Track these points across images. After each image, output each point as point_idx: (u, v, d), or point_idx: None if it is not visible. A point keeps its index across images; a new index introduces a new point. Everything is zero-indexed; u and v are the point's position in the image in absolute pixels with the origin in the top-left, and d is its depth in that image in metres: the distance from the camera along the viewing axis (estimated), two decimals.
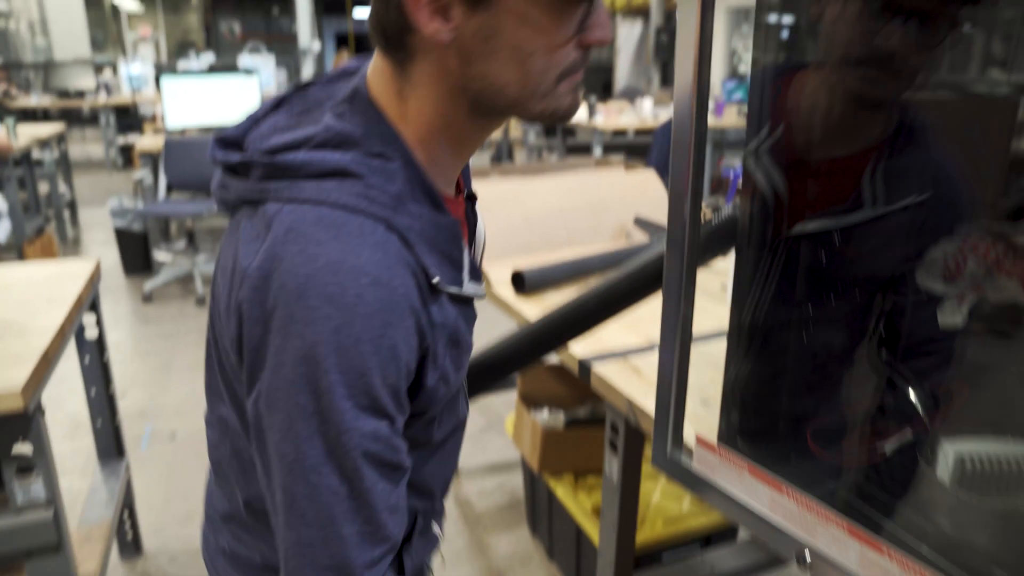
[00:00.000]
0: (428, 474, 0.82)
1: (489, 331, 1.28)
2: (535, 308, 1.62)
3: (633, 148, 7.45)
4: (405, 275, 0.63)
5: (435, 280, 0.65)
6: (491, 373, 1.28)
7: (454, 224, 0.69)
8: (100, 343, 2.00)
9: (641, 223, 2.03)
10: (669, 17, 14.47)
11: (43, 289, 1.69)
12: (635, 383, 1.26)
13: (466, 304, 0.73)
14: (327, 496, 0.64)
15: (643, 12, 15.22)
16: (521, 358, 1.27)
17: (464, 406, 0.86)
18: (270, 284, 0.61)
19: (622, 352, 1.39)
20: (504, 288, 1.73)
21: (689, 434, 0.90)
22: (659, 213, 2.13)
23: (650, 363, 1.35)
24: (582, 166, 2.25)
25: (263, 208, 0.65)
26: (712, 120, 6.42)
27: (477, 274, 0.74)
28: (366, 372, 0.61)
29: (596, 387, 1.32)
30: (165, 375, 3.53)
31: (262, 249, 0.62)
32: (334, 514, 0.64)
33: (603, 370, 1.31)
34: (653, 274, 1.04)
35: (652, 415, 0.94)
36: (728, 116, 6.61)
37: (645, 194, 2.12)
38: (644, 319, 1.56)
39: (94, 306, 1.92)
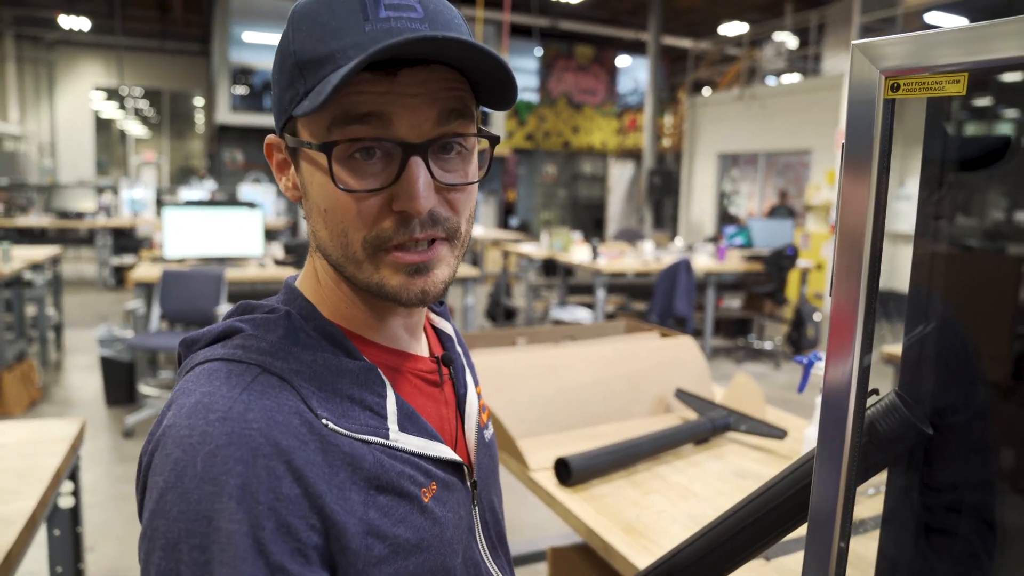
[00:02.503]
0: None
1: None
2: (584, 505, 1.44)
3: (634, 289, 7.43)
4: (273, 413, 0.57)
5: (323, 421, 0.60)
6: None
7: (364, 369, 0.65)
8: (75, 514, 1.78)
9: (682, 396, 1.88)
10: (661, 159, 15.01)
11: (16, 459, 1.50)
12: None
13: (415, 461, 0.65)
14: None
15: (635, 155, 15.80)
16: None
17: None
18: (150, 442, 0.59)
19: None
20: (544, 476, 1.55)
21: None
22: (699, 383, 1.98)
23: None
24: (613, 332, 2.13)
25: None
26: (715, 264, 6.44)
27: (425, 430, 0.67)
28: (213, 516, 0.54)
29: None
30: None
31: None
32: None
33: None
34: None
35: None
36: (730, 260, 6.63)
37: (682, 362, 1.99)
38: None
39: (73, 475, 1.71)
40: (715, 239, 8.49)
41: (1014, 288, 0.79)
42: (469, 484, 0.74)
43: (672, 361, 1.98)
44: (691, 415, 1.88)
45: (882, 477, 0.81)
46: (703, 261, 6.52)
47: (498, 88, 0.62)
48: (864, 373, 0.68)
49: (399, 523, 0.63)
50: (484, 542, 0.76)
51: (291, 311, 0.66)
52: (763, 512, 0.82)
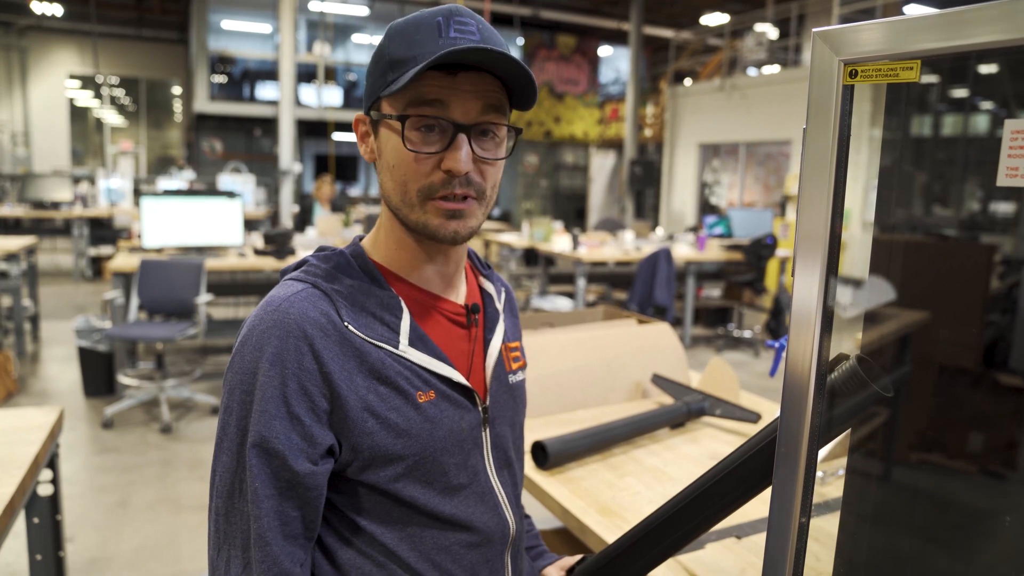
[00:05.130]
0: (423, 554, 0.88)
1: None
2: (560, 487, 1.46)
3: (614, 278, 7.47)
4: (308, 310, 0.82)
5: (346, 323, 0.83)
6: None
7: (388, 296, 0.87)
8: (54, 502, 1.78)
9: (658, 381, 1.91)
10: (642, 150, 15.05)
11: None
12: None
13: (417, 370, 0.86)
14: (221, 471, 0.82)
15: (616, 145, 15.81)
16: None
17: (482, 511, 0.92)
18: None
19: None
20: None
21: None
22: (675, 368, 2.01)
23: (703, 562, 1.18)
24: (591, 319, 2.15)
25: None
26: (695, 253, 6.48)
27: (433, 351, 0.88)
28: (256, 371, 0.80)
29: None
30: (120, 516, 3.22)
31: None
32: (222, 489, 0.82)
33: None
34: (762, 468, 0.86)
35: None
36: (710, 249, 6.68)
37: (659, 348, 2.01)
38: None
39: (52, 463, 1.71)
40: (695, 229, 8.55)
41: (986, 276, 0.81)
42: (480, 408, 0.93)
43: (649, 347, 2.00)
44: (667, 400, 1.91)
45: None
46: (683, 251, 6.57)
47: (524, 92, 0.85)
48: (823, 351, 0.70)
49: (392, 410, 0.84)
50: (492, 460, 0.95)
51: (344, 251, 0.91)
52: (722, 476, 0.85)
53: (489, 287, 1.03)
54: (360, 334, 0.84)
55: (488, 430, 0.95)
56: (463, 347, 0.94)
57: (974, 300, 0.82)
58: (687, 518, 0.88)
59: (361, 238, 0.95)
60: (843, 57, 0.63)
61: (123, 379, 4.64)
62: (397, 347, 0.85)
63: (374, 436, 0.83)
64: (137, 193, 9.11)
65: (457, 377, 0.89)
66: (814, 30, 0.65)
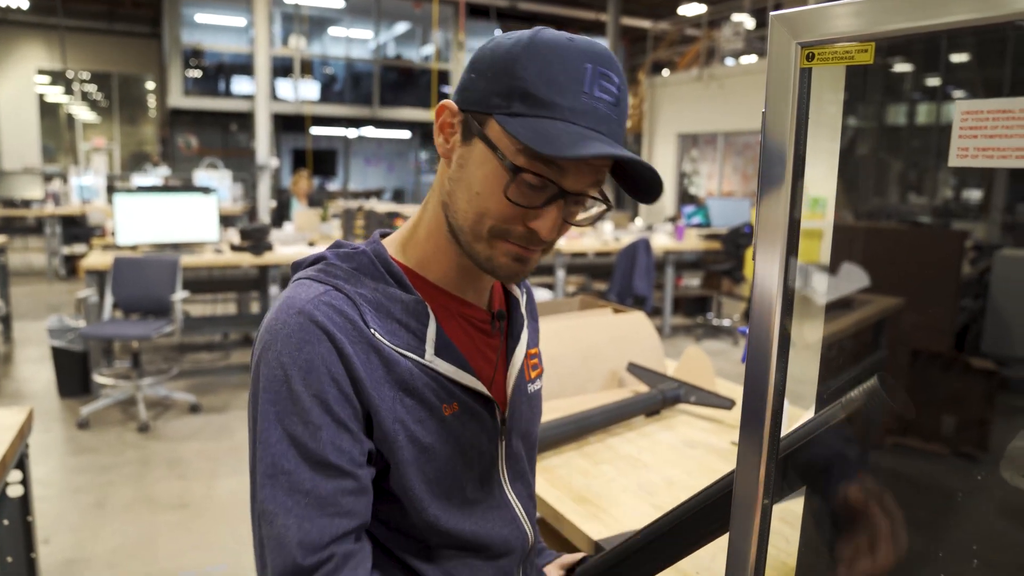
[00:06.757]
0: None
1: None
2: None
3: (594, 269, 7.48)
4: (333, 315, 0.77)
5: (372, 331, 0.79)
6: None
7: (415, 302, 0.83)
8: (25, 502, 1.75)
9: (634, 369, 1.91)
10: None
11: None
12: None
13: (443, 381, 0.83)
14: (261, 500, 0.76)
15: None
16: None
17: (500, 526, 0.90)
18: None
19: None
20: None
21: None
22: (651, 357, 2.02)
23: None
24: (567, 308, 2.15)
25: None
26: (673, 243, 6.51)
27: (458, 360, 0.84)
28: (287, 379, 0.76)
29: None
30: (97, 517, 3.19)
31: None
32: (263, 510, 0.76)
33: None
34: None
35: None
36: (689, 239, 6.71)
37: (635, 337, 2.02)
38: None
39: (22, 463, 1.68)
40: (674, 219, 8.58)
41: (957, 262, 0.82)
42: (499, 419, 0.89)
43: (625, 336, 2.01)
44: (643, 388, 1.92)
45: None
46: (662, 240, 6.59)
47: (648, 189, 0.80)
48: (784, 332, 0.71)
49: (417, 422, 0.81)
50: (506, 471, 0.93)
51: (367, 250, 0.85)
52: (694, 512, 0.85)
53: (515, 291, 0.99)
54: (386, 342, 0.79)
55: (504, 441, 0.92)
56: (487, 355, 0.90)
57: (946, 286, 0.83)
58: (695, 525, 0.88)
59: (384, 235, 0.90)
60: (800, 40, 0.63)
61: (99, 378, 4.59)
62: (423, 356, 0.82)
63: (403, 450, 0.80)
64: (111, 190, 8.97)
65: (480, 388, 0.86)
66: (771, 13, 0.65)
